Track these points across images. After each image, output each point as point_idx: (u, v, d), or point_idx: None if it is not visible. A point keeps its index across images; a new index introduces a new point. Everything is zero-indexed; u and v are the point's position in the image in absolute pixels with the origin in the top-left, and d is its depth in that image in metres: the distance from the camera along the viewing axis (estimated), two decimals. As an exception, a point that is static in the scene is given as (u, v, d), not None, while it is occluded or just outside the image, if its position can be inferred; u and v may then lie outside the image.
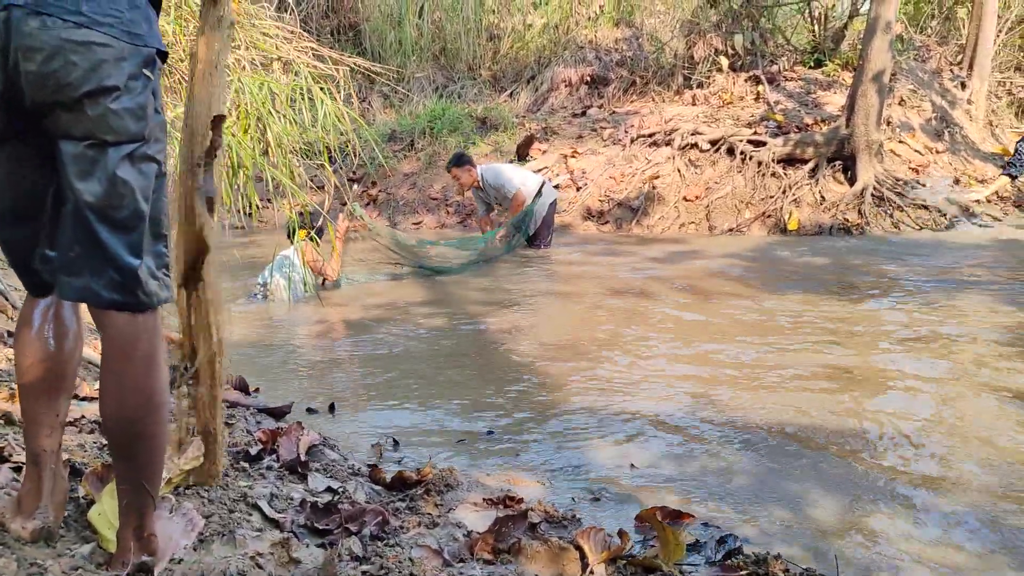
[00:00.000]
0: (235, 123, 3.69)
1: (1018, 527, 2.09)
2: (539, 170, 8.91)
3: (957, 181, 8.95)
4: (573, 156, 9.06)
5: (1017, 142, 7.40)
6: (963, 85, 11.70)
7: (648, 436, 2.79)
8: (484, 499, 2.18)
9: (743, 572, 1.70)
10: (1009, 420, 2.83)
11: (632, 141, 8.95)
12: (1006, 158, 10.52)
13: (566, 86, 10.81)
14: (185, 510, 1.71)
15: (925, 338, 3.94)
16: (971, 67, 11.79)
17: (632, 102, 10.14)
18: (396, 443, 2.74)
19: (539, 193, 6.78)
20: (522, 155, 9.21)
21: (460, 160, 7.01)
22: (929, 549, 2.00)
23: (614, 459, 2.60)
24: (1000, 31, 13.19)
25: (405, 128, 10.20)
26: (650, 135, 8.92)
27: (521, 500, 2.16)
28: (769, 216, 7.81)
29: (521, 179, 6.91)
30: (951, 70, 12.05)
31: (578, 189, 8.62)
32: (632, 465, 2.54)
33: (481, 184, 6.95)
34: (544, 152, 9.33)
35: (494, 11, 12.12)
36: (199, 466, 1.81)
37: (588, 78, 10.74)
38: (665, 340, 4.04)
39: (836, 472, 2.45)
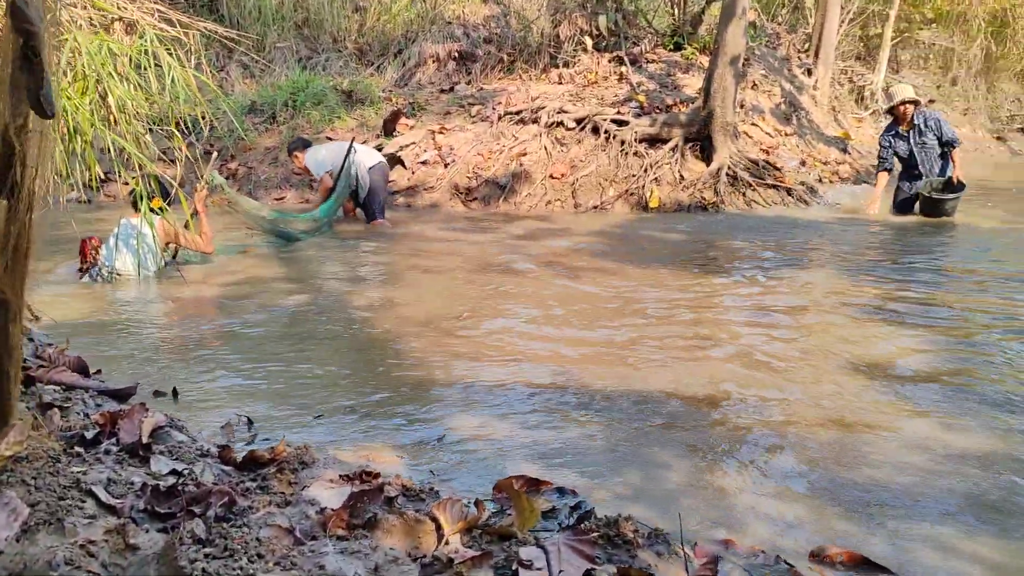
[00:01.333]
0: (70, 84, 3.42)
1: (847, 482, 2.24)
2: (407, 146, 8.80)
3: (804, 163, 9.50)
4: (441, 132, 8.99)
5: (880, 138, 7.87)
6: (809, 72, 12.40)
7: (510, 409, 2.81)
8: (340, 475, 2.13)
9: (595, 534, 1.74)
10: (848, 387, 3.03)
11: (500, 118, 8.97)
12: (848, 141, 11.25)
13: (434, 61, 10.70)
14: (6, 499, 1.58)
15: (775, 310, 4.16)
16: (817, 55, 12.50)
17: (500, 79, 10.16)
18: (250, 423, 2.64)
19: (343, 169, 6.72)
20: (388, 130, 9.07)
21: (289, 147, 7.31)
22: (767, 502, 2.11)
23: (475, 431, 2.61)
24: (843, 22, 14.05)
25: (266, 100, 9.82)
26: (517, 112, 8.97)
27: (378, 475, 2.12)
28: (632, 194, 8.03)
29: (332, 161, 6.84)
30: (799, 57, 12.74)
31: (446, 166, 8.57)
32: (492, 436, 2.55)
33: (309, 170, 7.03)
34: (411, 128, 9.21)
35: (360, -19, 11.83)
36: None
37: (456, 54, 10.68)
38: (529, 315, 4.08)
39: (687, 437, 2.55)
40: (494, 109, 9.14)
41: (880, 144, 7.75)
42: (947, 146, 7.46)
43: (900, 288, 4.65)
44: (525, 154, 8.53)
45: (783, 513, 2.06)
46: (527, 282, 4.83)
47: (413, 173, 8.58)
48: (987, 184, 11.08)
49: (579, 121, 8.64)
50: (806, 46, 13.06)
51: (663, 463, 2.36)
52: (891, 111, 7.70)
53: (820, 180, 9.26)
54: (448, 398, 2.91)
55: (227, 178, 8.73)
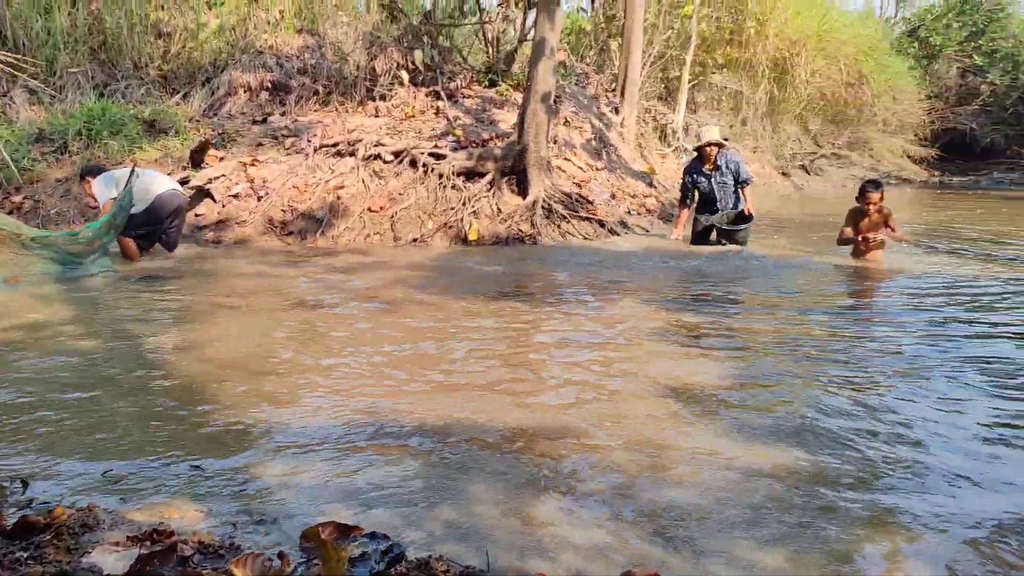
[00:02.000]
0: None
1: (653, 504, 2.32)
2: (216, 178, 8.41)
3: (614, 196, 9.97)
4: (253, 164, 8.67)
5: (684, 173, 8.40)
6: (617, 110, 13.10)
7: (322, 451, 2.70)
8: (128, 537, 1.94)
9: (405, 578, 1.69)
10: (655, 411, 3.15)
11: (316, 151, 8.78)
12: (653, 176, 11.93)
13: (245, 91, 10.33)
14: None
15: (588, 338, 4.29)
16: (623, 94, 13.22)
17: (315, 111, 9.96)
18: (25, 484, 2.37)
19: (122, 199, 6.43)
20: (196, 162, 8.62)
21: (82, 172, 7.01)
22: (578, 529, 2.14)
23: (285, 477, 2.48)
24: (645, 64, 14.98)
25: (57, 128, 9.07)
26: (334, 145, 8.82)
27: (172, 533, 1.96)
28: (451, 227, 8.08)
29: (119, 187, 6.52)
30: (607, 96, 13.43)
31: (259, 199, 8.26)
32: (302, 481, 2.43)
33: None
34: (221, 159, 8.81)
35: (163, 7, 11.24)
36: None
37: (269, 84, 10.37)
38: (343, 352, 3.97)
39: (503, 468, 2.55)
40: (309, 141, 8.94)
41: (683, 179, 8.29)
42: (741, 184, 8.10)
43: (701, 315, 4.95)
44: (343, 187, 8.39)
45: (593, 539, 2.09)
46: (342, 318, 4.71)
47: (223, 206, 8.20)
48: (775, 215, 12.12)
49: (397, 154, 8.62)
50: (613, 86, 13.80)
51: (479, 497, 2.34)
52: (698, 150, 8.26)
53: (629, 212, 9.75)
54: (255, 443, 2.76)
55: (9, 212, 7.96)
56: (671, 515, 2.24)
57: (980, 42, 29.07)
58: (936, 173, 25.99)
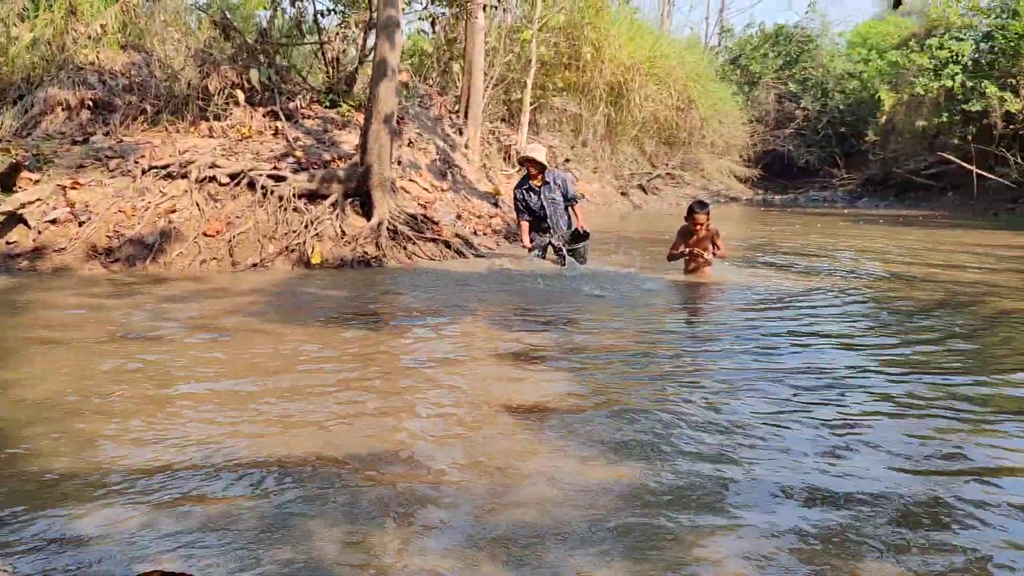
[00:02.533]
0: None
1: (501, 526, 2.31)
2: (30, 203, 7.77)
3: (460, 216, 10.03)
4: (74, 187, 8.07)
5: (514, 191, 8.53)
6: (461, 131, 13.22)
7: (149, 494, 2.52)
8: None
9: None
10: (502, 431, 3.16)
11: (144, 173, 8.30)
12: (498, 196, 12.10)
13: (63, 109, 9.63)
14: None
15: (436, 360, 4.26)
16: (467, 116, 13.38)
17: (143, 131, 9.43)
18: None
19: None
20: (6, 186, 7.94)
21: None
22: (425, 559, 2.10)
23: (106, 526, 2.29)
24: (488, 86, 15.23)
25: None
26: (164, 167, 8.37)
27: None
28: (293, 250, 7.85)
29: None
30: (451, 117, 13.54)
31: (81, 224, 7.70)
32: (127, 528, 2.25)
33: None
34: (36, 182, 8.16)
35: (-34, 18, 10.32)
36: None
37: (91, 102, 9.72)
38: (176, 387, 3.74)
39: (347, 500, 2.47)
40: (137, 163, 8.44)
41: (515, 197, 8.44)
42: (570, 202, 8.32)
43: (544, 334, 5.04)
44: (175, 211, 7.96)
45: (439, 568, 2.06)
46: (175, 349, 4.45)
47: (40, 233, 7.58)
48: (615, 233, 12.59)
49: (233, 176, 8.29)
50: (457, 107, 13.94)
51: (319, 533, 2.25)
52: (521, 164, 8.43)
53: (475, 232, 9.83)
54: (73, 491, 2.53)
55: None
56: (519, 537, 2.24)
57: (794, 70, 31.60)
58: (760, 191, 27.93)
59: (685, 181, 23.48)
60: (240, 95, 9.65)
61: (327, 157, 9.10)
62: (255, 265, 7.65)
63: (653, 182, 22.07)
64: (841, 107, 30.46)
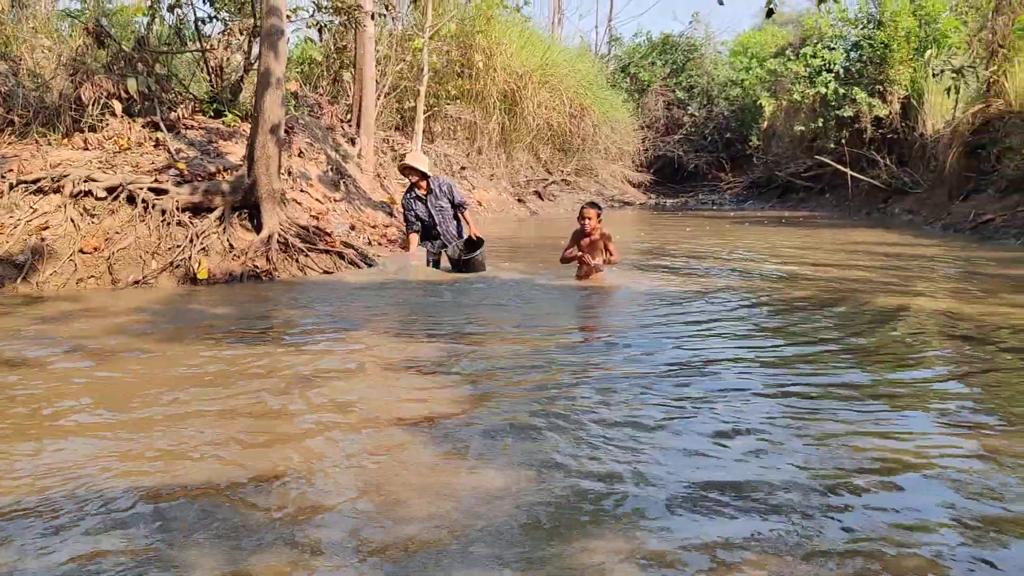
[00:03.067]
0: None
1: (390, 546, 2.28)
2: None
3: (353, 227, 9.89)
4: (-68, 205, 7.54)
5: (402, 200, 8.49)
6: (353, 141, 13.05)
7: (4, 533, 2.36)
8: None
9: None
10: (397, 445, 3.12)
11: (12, 188, 7.82)
12: (393, 206, 11.99)
13: (-80, 122, 8.99)
14: None
15: (329, 374, 4.17)
16: (359, 125, 13.22)
17: (10, 144, 8.89)
18: None
19: None
20: None
21: None
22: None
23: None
24: (380, 95, 15.10)
25: None
26: (34, 181, 7.90)
27: None
28: (178, 266, 7.55)
29: None
30: (343, 127, 13.35)
31: (-59, 245, 7.19)
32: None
33: None
34: None
35: None
36: None
37: (-50, 114, 9.11)
38: (41, 414, 3.53)
39: (230, 527, 2.38)
40: (3, 177, 7.95)
41: (403, 206, 8.42)
42: (459, 208, 8.35)
43: (440, 344, 5.02)
44: (47, 227, 7.54)
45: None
46: (44, 374, 4.20)
47: None
48: (513, 240, 12.68)
49: (111, 190, 7.91)
50: (348, 116, 13.76)
51: (197, 564, 2.17)
52: (403, 173, 8.40)
53: (370, 243, 9.72)
54: (-77, 534, 2.35)
55: None
56: (410, 553, 2.22)
57: (680, 78, 32.63)
58: (653, 196, 28.67)
59: (580, 187, 23.86)
60: (117, 105, 9.23)
61: (212, 169, 8.81)
62: (137, 282, 7.32)
63: (549, 188, 22.35)
64: (726, 113, 31.63)
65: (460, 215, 8.39)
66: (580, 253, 7.50)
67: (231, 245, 7.89)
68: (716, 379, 4.09)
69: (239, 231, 8.18)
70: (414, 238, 8.37)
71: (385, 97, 15.76)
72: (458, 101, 18.99)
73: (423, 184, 8.19)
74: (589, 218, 7.38)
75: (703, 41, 33.97)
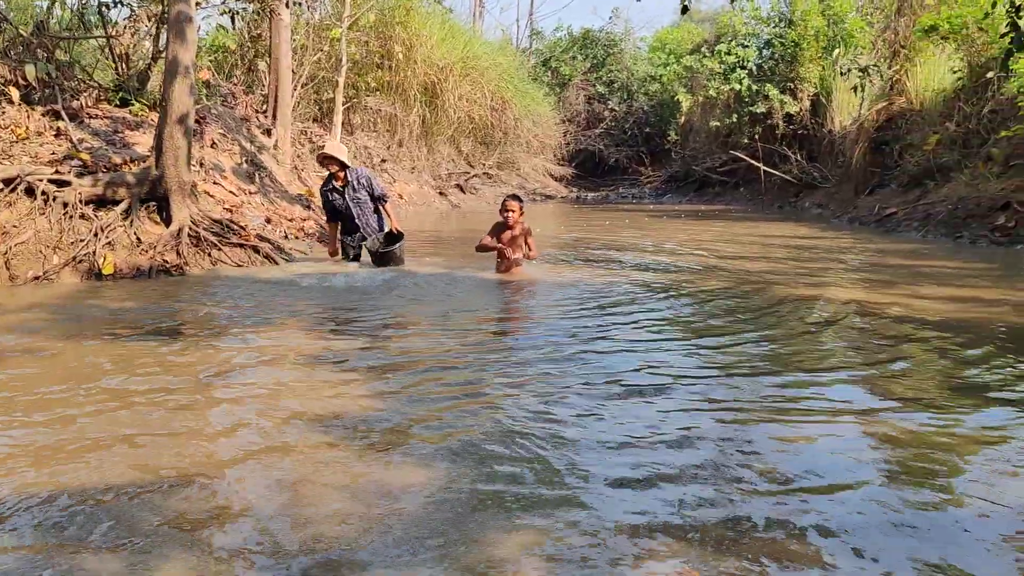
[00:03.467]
0: None
1: (309, 544, 2.23)
2: None
3: (269, 220, 9.66)
4: None
5: (320, 191, 8.37)
6: (269, 132, 12.74)
7: None
8: None
9: None
10: (312, 443, 3.05)
11: None
12: (311, 199, 11.77)
13: None
14: None
15: (241, 371, 4.05)
16: (275, 116, 12.91)
17: None
18: None
19: None
20: None
21: None
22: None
23: None
24: (297, 86, 14.78)
25: None
26: (-78, 172, 7.46)
27: None
28: (81, 261, 7.23)
29: None
30: (258, 118, 13.02)
31: None
32: None
33: None
34: None
35: None
36: None
37: None
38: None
39: (131, 532, 2.29)
40: None
41: (321, 196, 8.28)
42: (379, 201, 8.23)
43: (356, 338, 4.94)
44: (-63, 221, 7.12)
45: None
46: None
47: None
48: (434, 233, 12.61)
49: (8, 182, 7.51)
50: (264, 107, 13.42)
51: (93, 572, 2.07)
52: (321, 163, 8.26)
53: (287, 236, 9.51)
54: None
55: None
56: (322, 553, 2.17)
57: (601, 73, 32.99)
58: (574, 189, 28.94)
59: (502, 180, 23.90)
60: (14, 92, 8.78)
61: (118, 160, 8.47)
62: (37, 278, 6.98)
63: (471, 181, 22.31)
64: (645, 108, 32.14)
65: (381, 208, 8.28)
66: (500, 245, 7.50)
67: (139, 239, 7.61)
68: (632, 369, 4.14)
69: (147, 224, 7.89)
70: (333, 228, 8.21)
71: (302, 88, 15.44)
72: (378, 93, 18.76)
73: (341, 175, 8.04)
74: (512, 211, 7.38)
75: (623, 36, 34.43)
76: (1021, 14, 6.09)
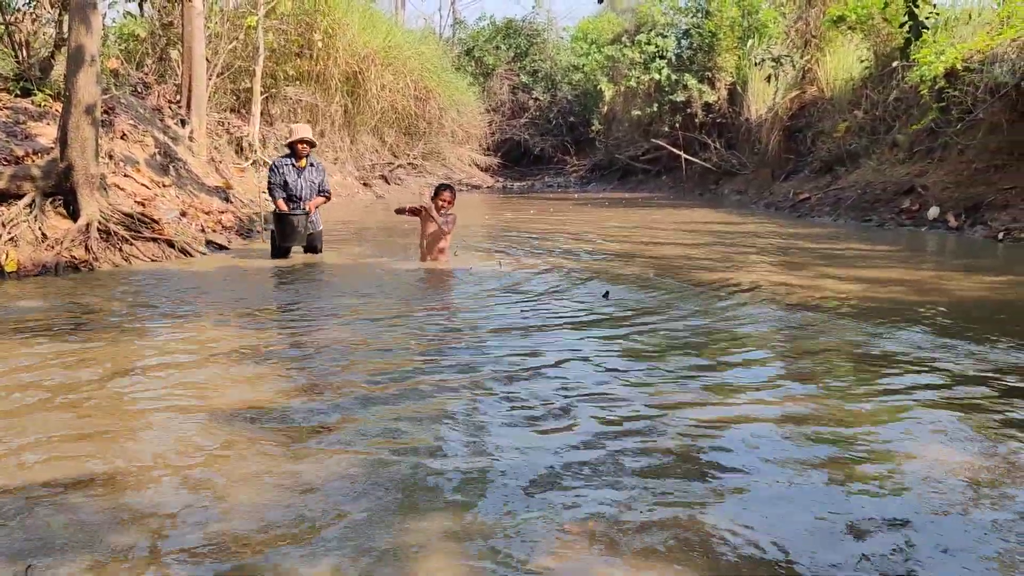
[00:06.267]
0: None
1: (218, 538, 2.19)
2: None
3: (184, 214, 9.40)
4: None
5: (274, 161, 8.29)
6: (184, 123, 12.37)
7: None
8: None
9: None
10: (223, 435, 2.99)
11: None
12: (230, 191, 11.48)
13: None
14: None
15: (153, 368, 3.95)
16: (189, 106, 12.54)
17: None
18: None
19: None
20: None
21: None
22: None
23: None
24: (212, 75, 14.37)
25: None
26: None
27: None
28: (-17, 258, 6.91)
29: None
30: (171, 108, 12.62)
31: None
32: None
33: None
34: None
35: None
36: None
37: None
38: None
39: (31, 530, 2.21)
40: None
41: (273, 166, 8.16)
42: (323, 194, 8.19)
43: (274, 331, 4.87)
44: None
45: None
46: None
47: None
48: (357, 225, 12.48)
49: (-101, 176, 7.13)
50: (178, 97, 13.01)
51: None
52: (291, 146, 8.13)
53: (203, 230, 9.27)
54: None
55: None
56: (238, 550, 2.13)
57: (524, 62, 33.06)
58: (500, 179, 28.98)
59: (428, 170, 23.74)
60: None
61: (20, 152, 8.11)
62: (-67, 278, 6.65)
63: (396, 172, 22.10)
64: (569, 97, 32.36)
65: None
66: (427, 234, 7.45)
67: (44, 234, 7.31)
68: (555, 356, 4.19)
69: (53, 219, 7.59)
70: (281, 203, 8.05)
71: (218, 77, 15.02)
72: (298, 82, 18.39)
73: (304, 157, 8.02)
74: (445, 200, 7.37)
75: (546, 26, 34.54)
76: (918, 4, 6.35)
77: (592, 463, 2.72)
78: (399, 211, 7.66)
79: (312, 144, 8.20)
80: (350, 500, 2.42)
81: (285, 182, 8.03)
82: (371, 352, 4.28)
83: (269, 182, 8.14)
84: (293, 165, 8.06)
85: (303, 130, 8.29)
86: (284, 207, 7.96)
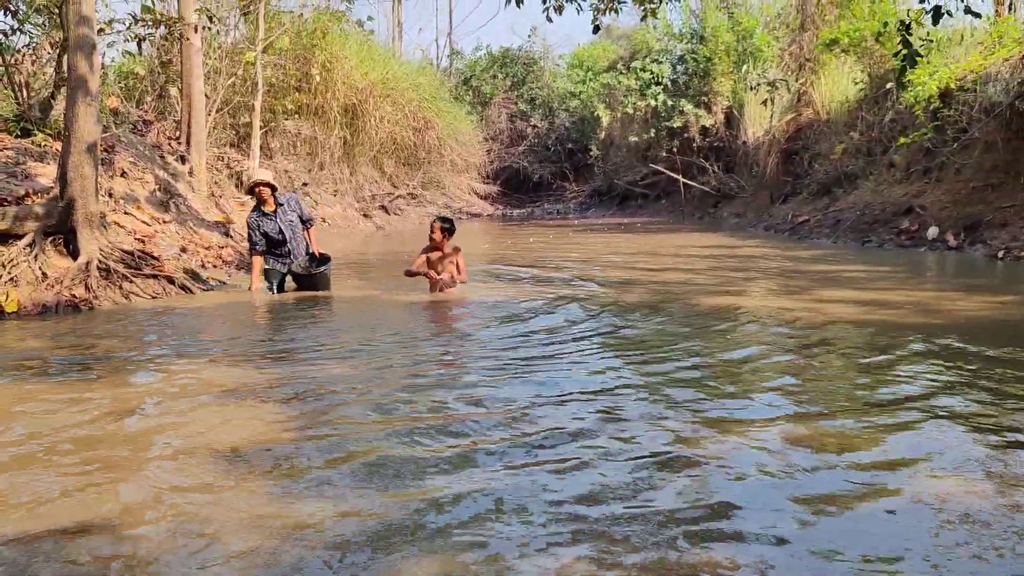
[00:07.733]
0: None
1: None
2: None
3: (185, 249, 9.42)
4: None
5: (248, 219, 8.19)
6: (183, 159, 12.44)
7: None
8: None
9: None
10: (219, 478, 2.97)
11: None
12: (230, 225, 11.52)
13: None
14: None
15: (154, 407, 3.92)
16: (189, 142, 12.62)
17: None
18: None
19: None
20: None
21: None
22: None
23: None
24: (211, 111, 14.48)
25: None
26: None
27: None
28: (-17, 299, 6.91)
29: None
30: (171, 144, 12.71)
31: None
32: None
33: None
34: None
35: None
36: None
37: None
38: None
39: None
40: None
41: (248, 225, 8.10)
42: (307, 224, 8.19)
43: (277, 369, 4.85)
44: None
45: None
46: None
47: None
48: (359, 256, 12.49)
49: (-100, 219, 7.16)
50: (177, 133, 13.11)
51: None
52: (251, 193, 8.13)
53: (204, 266, 9.29)
54: None
55: None
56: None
57: (522, 90, 33.32)
58: (500, 206, 29.09)
59: (428, 200, 23.83)
60: (-95, 125, 8.38)
61: (21, 192, 8.15)
62: (-66, 320, 6.64)
63: (395, 202, 22.18)
64: (567, 124, 32.56)
65: (306, 231, 8.24)
66: (427, 270, 7.49)
67: (44, 274, 7.32)
68: (558, 393, 4.17)
69: (53, 258, 7.61)
70: (257, 261, 8.04)
71: (217, 112, 15.12)
72: (297, 116, 18.51)
73: (271, 200, 7.96)
74: (435, 230, 7.43)
75: (542, 54, 34.85)
76: (911, 32, 6.40)
77: (601, 497, 2.69)
78: (409, 274, 7.66)
79: (271, 187, 8.04)
80: (352, 541, 2.39)
81: (265, 234, 7.99)
82: (368, 389, 4.26)
83: (248, 236, 8.11)
84: (263, 214, 8.02)
85: (259, 174, 8.21)
86: (258, 267, 7.98)
